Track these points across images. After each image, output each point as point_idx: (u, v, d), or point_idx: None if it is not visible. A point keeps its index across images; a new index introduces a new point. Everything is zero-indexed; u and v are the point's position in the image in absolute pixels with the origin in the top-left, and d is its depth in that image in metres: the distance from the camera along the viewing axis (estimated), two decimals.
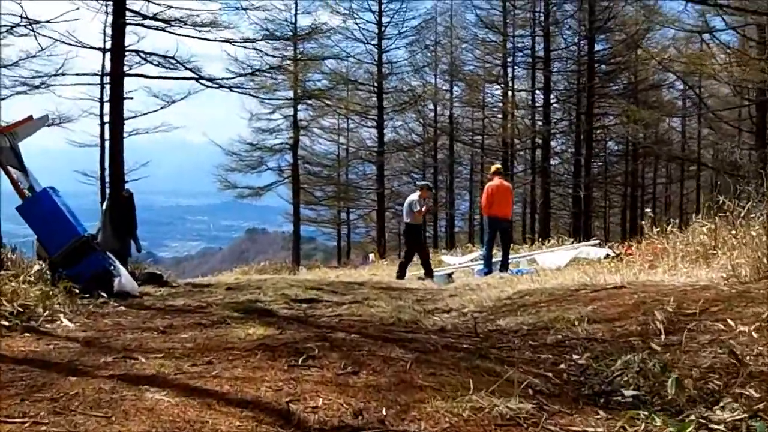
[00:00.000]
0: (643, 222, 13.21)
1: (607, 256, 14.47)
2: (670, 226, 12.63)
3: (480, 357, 4.04)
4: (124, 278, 9.61)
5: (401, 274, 15.61)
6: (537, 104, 37.01)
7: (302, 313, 6.40)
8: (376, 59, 35.54)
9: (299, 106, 33.12)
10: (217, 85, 16.90)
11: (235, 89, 17.10)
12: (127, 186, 16.15)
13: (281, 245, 56.53)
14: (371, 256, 31.10)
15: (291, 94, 31.93)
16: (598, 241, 21.75)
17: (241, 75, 16.57)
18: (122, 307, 6.96)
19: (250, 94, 17.13)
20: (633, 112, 30.55)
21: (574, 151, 38.86)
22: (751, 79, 25.43)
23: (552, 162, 37.86)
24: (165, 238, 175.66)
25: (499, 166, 15.74)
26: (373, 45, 35.39)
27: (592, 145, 39.27)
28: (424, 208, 15.58)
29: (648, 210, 12.99)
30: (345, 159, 39.71)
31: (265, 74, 16.77)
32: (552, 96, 36.05)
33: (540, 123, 35.95)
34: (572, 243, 22.95)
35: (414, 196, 15.84)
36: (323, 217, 41.81)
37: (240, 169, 32.91)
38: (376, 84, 35.85)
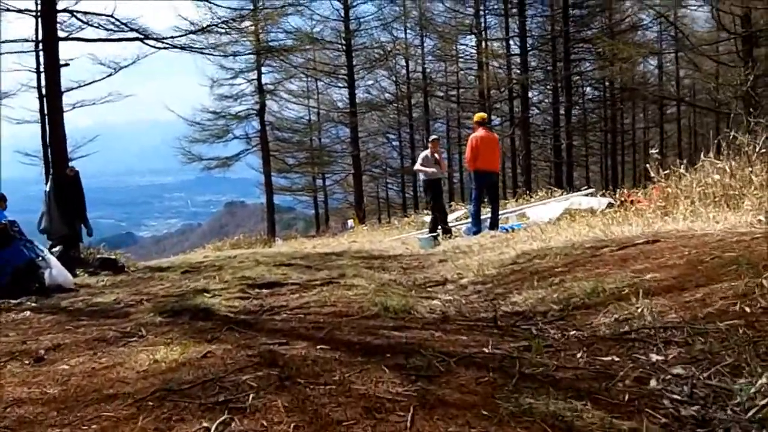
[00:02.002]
0: (648, 165, 11.77)
1: (610, 204, 13.07)
2: (680, 167, 11.28)
3: (522, 381, 2.59)
4: (55, 270, 8.20)
5: (446, 230, 14.60)
6: (512, 53, 35.33)
7: (257, 306, 4.91)
8: (343, 15, 33.62)
9: (263, 69, 31.39)
10: (165, 45, 15.16)
11: (187, 49, 15.37)
12: (71, 164, 14.44)
13: (261, 217, 54.85)
14: (350, 222, 29.67)
15: (253, 57, 30.11)
16: (591, 191, 20.39)
17: (191, 32, 14.80)
18: (28, 312, 5.44)
19: (204, 53, 15.37)
20: (613, 46, 28.93)
21: (552, 101, 37.47)
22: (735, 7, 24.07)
23: (529, 113, 36.34)
24: (143, 218, 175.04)
25: (483, 115, 14.24)
26: (340, 1, 33.49)
27: (572, 91, 37.84)
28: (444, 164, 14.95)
29: (654, 151, 11.58)
30: (316, 123, 37.90)
31: (219, 29, 15.01)
32: (528, 43, 34.36)
33: (517, 72, 34.33)
34: (562, 194, 21.59)
35: (426, 152, 14.80)
36: (298, 185, 40.11)
37: (204, 139, 31.08)
38: (344, 42, 33.97)
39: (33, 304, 6.23)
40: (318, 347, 3.15)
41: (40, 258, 8.14)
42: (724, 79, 33.30)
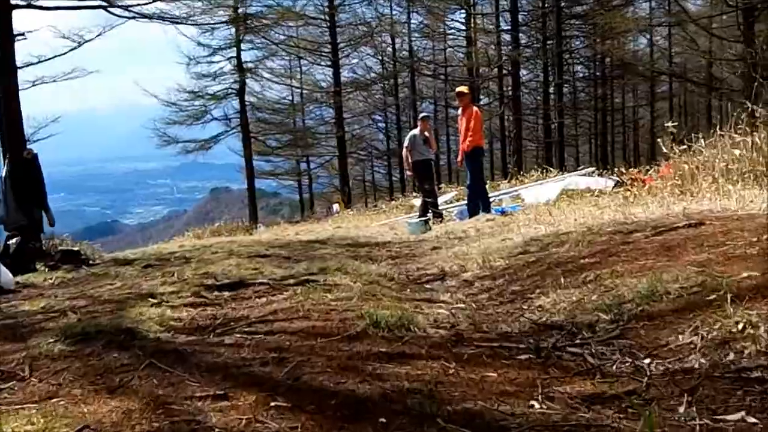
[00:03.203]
0: (659, 140, 10.69)
1: (620, 183, 12.00)
2: (696, 142, 10.24)
3: None
4: None
5: (437, 213, 13.69)
6: (502, 29, 34.06)
7: (208, 318, 3.78)
8: None
9: (243, 46, 29.94)
10: (132, 14, 13.96)
11: (156, 18, 14.17)
12: (29, 146, 13.26)
13: (246, 203, 53.79)
14: (335, 206, 28.47)
15: (232, 33, 28.76)
16: (592, 170, 19.33)
17: None
18: None
19: (176, 23, 14.15)
20: (610, 19, 27.75)
21: (542, 79, 36.34)
22: None
23: (520, 92, 35.09)
24: (128, 205, 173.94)
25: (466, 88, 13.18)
26: None
27: (563, 68, 36.71)
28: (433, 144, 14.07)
29: (670, 123, 10.48)
30: (300, 103, 36.47)
31: None
32: (518, 19, 33.04)
33: (508, 49, 33.07)
34: (557, 175, 20.54)
35: (414, 131, 13.88)
36: (282, 168, 38.71)
37: (182, 121, 29.74)
38: (327, 18, 32.56)
39: None
40: (272, 404, 2.05)
41: None
42: (721, 55, 32.39)
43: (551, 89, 36.67)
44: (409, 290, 4.91)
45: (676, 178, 9.70)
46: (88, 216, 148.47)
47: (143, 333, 3.32)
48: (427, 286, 5.34)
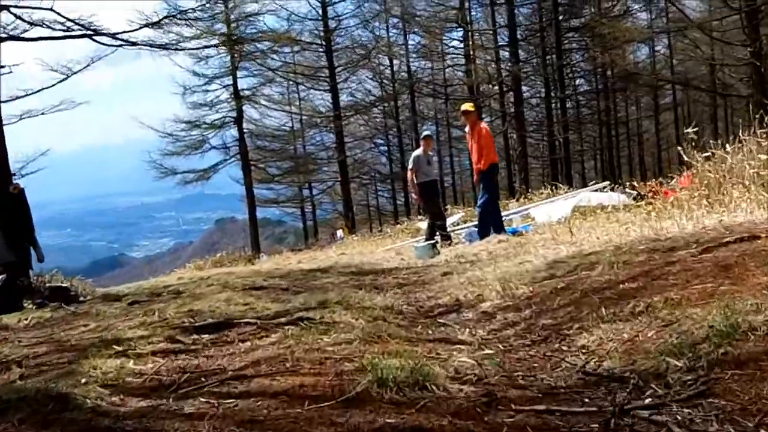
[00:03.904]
0: (680, 148, 9.99)
1: (639, 197, 11.29)
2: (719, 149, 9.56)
3: None
4: None
5: (445, 236, 13.01)
6: (501, 44, 33.47)
7: (175, 373, 3.06)
8: (321, 14, 31.68)
9: (239, 74, 29.37)
10: (119, 42, 13.36)
11: (144, 46, 13.56)
12: (16, 181, 12.66)
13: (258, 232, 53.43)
14: (339, 232, 27.72)
15: (228, 61, 28.22)
16: (605, 184, 18.61)
17: (146, 25, 12.99)
18: None
19: (165, 49, 13.54)
20: (613, 29, 27.05)
21: (544, 95, 35.71)
22: None
23: (523, 108, 34.42)
24: (134, 238, 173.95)
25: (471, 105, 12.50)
26: None
27: (565, 83, 36.10)
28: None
29: (690, 129, 9.77)
30: (299, 129, 35.81)
31: (178, 21, 13.17)
32: (517, 34, 32.46)
33: (508, 64, 32.46)
34: (567, 191, 19.85)
35: (417, 152, 13.14)
36: (284, 196, 37.97)
37: (179, 151, 28.97)
38: (323, 42, 32.05)
39: None
40: None
41: None
42: (723, 61, 31.80)
43: (554, 104, 36.05)
44: (420, 326, 4.20)
45: (702, 188, 9.01)
46: (94, 251, 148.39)
47: (79, 400, 2.61)
48: (441, 320, 4.64)
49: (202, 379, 2.88)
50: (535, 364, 2.90)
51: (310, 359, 2.99)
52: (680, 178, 11.53)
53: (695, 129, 10.16)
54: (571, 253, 6.63)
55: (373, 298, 5.95)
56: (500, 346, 3.33)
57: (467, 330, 4.04)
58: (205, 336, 4.05)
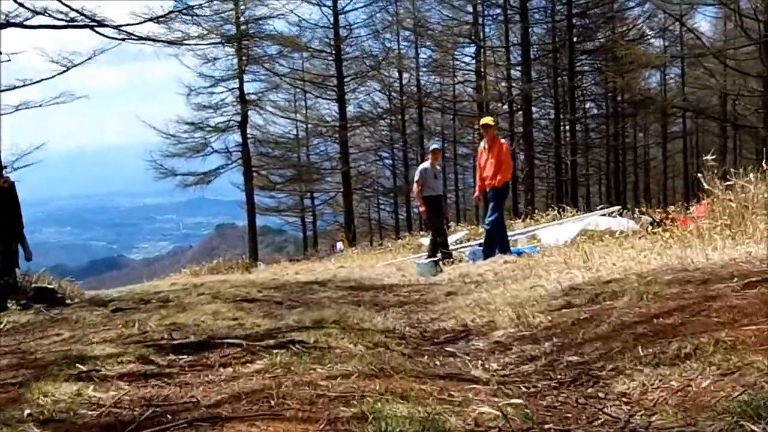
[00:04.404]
0: (699, 175, 9.52)
1: (654, 223, 10.80)
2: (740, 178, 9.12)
3: None
4: None
5: (446, 254, 12.38)
6: (512, 62, 33.10)
7: (137, 407, 2.56)
8: (332, 21, 31.31)
9: (246, 78, 28.85)
10: (122, 36, 12.96)
11: (148, 41, 13.14)
12: (6, 174, 12.21)
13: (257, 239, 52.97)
14: (339, 244, 27.17)
15: (235, 64, 27.76)
16: (615, 209, 18.12)
17: (151, 19, 12.57)
18: None
19: (169, 44, 13.11)
20: (629, 51, 26.62)
21: (554, 116, 35.32)
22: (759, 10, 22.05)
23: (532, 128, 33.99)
24: (134, 240, 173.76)
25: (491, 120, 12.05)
26: (328, 6, 31.13)
27: (575, 105, 35.67)
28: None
29: (709, 157, 9.32)
30: (304, 138, 35.30)
31: (184, 17, 12.76)
32: (530, 53, 32.08)
33: (519, 83, 32.03)
34: (575, 213, 19.36)
35: (425, 164, 12.62)
36: (285, 204, 37.44)
37: (180, 153, 28.37)
38: (333, 50, 31.66)
39: None
40: None
41: None
42: (734, 91, 31.45)
43: (563, 126, 35.65)
44: (426, 356, 3.72)
45: (725, 217, 8.55)
46: (93, 250, 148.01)
47: None
48: (449, 348, 4.16)
49: (168, 417, 2.39)
50: (568, 414, 2.42)
51: (299, 396, 2.51)
52: (697, 207, 11.09)
53: (714, 157, 9.71)
54: (587, 279, 6.16)
55: (373, 318, 5.48)
56: (522, 387, 2.85)
57: (480, 363, 3.56)
58: (183, 357, 3.57)
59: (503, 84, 33.88)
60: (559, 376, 3.02)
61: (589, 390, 2.72)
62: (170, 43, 13.55)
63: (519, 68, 32.38)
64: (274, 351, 3.52)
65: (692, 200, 19.74)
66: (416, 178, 12.42)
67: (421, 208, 12.45)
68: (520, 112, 32.72)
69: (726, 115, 35.64)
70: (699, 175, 9.62)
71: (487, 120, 11.64)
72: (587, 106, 41.96)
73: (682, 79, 40.78)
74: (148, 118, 28.78)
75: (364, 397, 2.39)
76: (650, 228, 10.32)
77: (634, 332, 3.49)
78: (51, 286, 11.26)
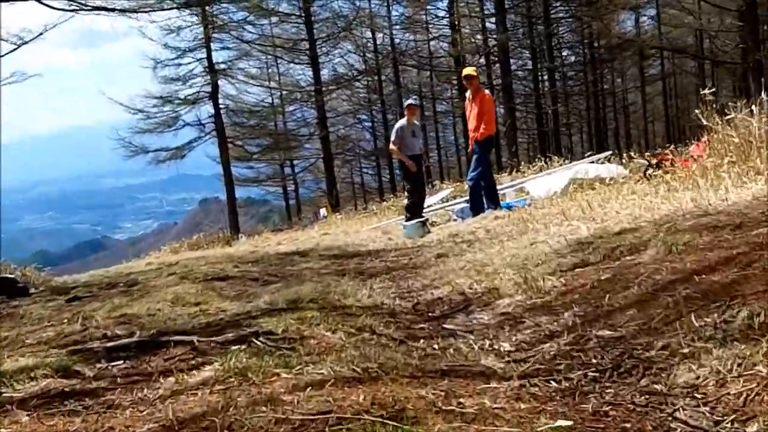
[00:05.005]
0: (698, 112, 8.79)
1: (650, 166, 10.12)
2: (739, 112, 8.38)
3: None
4: None
5: (413, 216, 11.21)
6: (486, 12, 32.10)
7: None
8: None
9: (214, 46, 27.81)
10: (73, 7, 12.04)
11: (102, 11, 12.23)
12: None
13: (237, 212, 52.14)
14: (323, 210, 26.36)
15: (201, 32, 26.56)
16: (605, 155, 17.47)
17: None
18: None
19: (121, 11, 12.19)
20: None
21: (531, 66, 34.49)
22: None
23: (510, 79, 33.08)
24: (118, 220, 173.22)
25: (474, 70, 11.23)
26: None
27: (553, 54, 34.86)
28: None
29: (706, 91, 8.61)
30: (279, 105, 34.14)
31: None
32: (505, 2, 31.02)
33: (495, 34, 31.08)
34: (562, 163, 18.71)
35: (401, 122, 11.50)
36: (264, 174, 36.42)
37: (151, 129, 27.29)
38: (302, 12, 30.58)
39: None
40: None
41: None
42: (713, 27, 30.95)
43: (541, 76, 34.88)
44: (422, 340, 3.03)
45: (730, 154, 7.87)
46: (78, 233, 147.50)
47: None
48: (448, 325, 3.48)
49: None
50: (626, 425, 1.74)
51: (251, 425, 1.81)
52: (696, 145, 10.44)
53: (713, 90, 8.99)
54: (593, 231, 5.49)
55: (358, 292, 4.81)
56: (552, 382, 2.16)
57: (488, 344, 2.88)
58: (118, 364, 2.86)
59: (479, 36, 32.97)
60: (594, 361, 2.34)
61: (643, 381, 2.05)
62: (124, 11, 12.62)
63: (493, 19, 31.40)
64: (233, 348, 2.82)
65: (676, 142, 19.36)
66: (392, 137, 11.49)
67: (408, 164, 11.50)
68: (498, 65, 31.87)
69: (703, 53, 35.08)
70: (697, 111, 8.87)
71: (470, 70, 10.83)
72: (564, 54, 41.21)
73: (658, 18, 40.00)
74: (120, 97, 27.69)
75: (341, 423, 1.70)
76: (649, 171, 9.64)
77: (674, 295, 2.81)
78: (11, 276, 10.48)
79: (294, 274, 6.75)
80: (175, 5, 14.61)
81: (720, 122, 8.34)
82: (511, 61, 33.71)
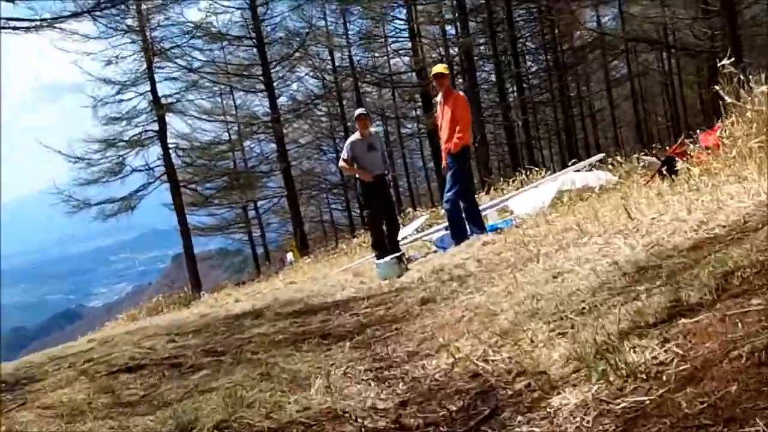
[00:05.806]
0: (717, 87, 7.15)
1: (665, 163, 8.48)
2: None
3: None
4: None
5: (381, 254, 9.19)
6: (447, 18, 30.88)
7: None
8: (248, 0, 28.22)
9: (158, 77, 25.80)
10: None
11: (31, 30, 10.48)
12: None
13: (210, 264, 49.59)
14: (289, 255, 24.24)
15: (143, 64, 24.44)
16: (595, 159, 15.87)
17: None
18: None
19: (29, 30, 10.43)
20: None
21: (495, 78, 33.16)
22: None
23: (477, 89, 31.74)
24: (91, 286, 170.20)
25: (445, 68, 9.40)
26: None
27: (519, 60, 33.62)
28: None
29: (725, 62, 7.03)
30: (237, 140, 31.22)
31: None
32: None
33: (458, 38, 29.86)
34: (544, 174, 17.13)
35: (353, 138, 9.59)
36: (227, 221, 34.05)
37: (96, 179, 24.49)
38: (253, 30, 28.50)
39: None
40: None
41: None
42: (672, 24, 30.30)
43: (508, 84, 33.61)
44: None
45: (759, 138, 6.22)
46: (51, 305, 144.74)
47: None
48: None
49: None
50: None
51: None
52: (705, 133, 8.90)
53: (732, 60, 7.33)
54: (645, 248, 3.81)
55: (311, 382, 3.04)
56: None
57: None
58: None
59: (441, 49, 31.80)
60: None
61: None
62: (29, 29, 10.81)
63: (456, 24, 30.20)
64: None
65: (646, 148, 18.12)
66: (343, 155, 9.44)
67: (364, 176, 9.41)
68: (462, 76, 30.51)
69: (668, 45, 34.58)
70: (716, 87, 7.25)
71: (440, 68, 8.91)
72: (530, 62, 40.37)
73: (620, 19, 39.30)
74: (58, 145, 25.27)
75: None
76: (668, 168, 7.98)
77: None
78: None
79: (238, 348, 5.04)
80: (84, 12, 12.68)
81: (746, 98, 6.76)
82: (477, 73, 32.47)
